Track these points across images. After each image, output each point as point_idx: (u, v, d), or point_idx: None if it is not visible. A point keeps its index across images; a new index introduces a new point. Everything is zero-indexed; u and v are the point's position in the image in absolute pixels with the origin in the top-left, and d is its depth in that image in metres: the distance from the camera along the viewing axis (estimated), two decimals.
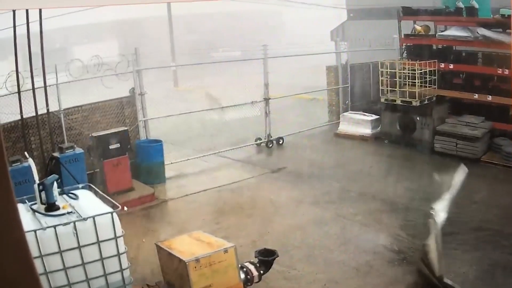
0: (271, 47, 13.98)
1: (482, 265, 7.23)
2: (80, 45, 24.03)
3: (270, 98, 14.03)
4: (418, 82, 13.14)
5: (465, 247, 7.78)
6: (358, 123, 14.83)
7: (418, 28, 14.37)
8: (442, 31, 13.78)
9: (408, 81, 13.41)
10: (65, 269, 5.02)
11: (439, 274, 6.38)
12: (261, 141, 14.11)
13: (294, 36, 26.32)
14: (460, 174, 7.13)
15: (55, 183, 5.40)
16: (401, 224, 8.86)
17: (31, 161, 5.88)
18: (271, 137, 14.13)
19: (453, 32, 13.21)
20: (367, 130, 14.63)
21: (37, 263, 4.68)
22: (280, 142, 14.26)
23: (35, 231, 4.84)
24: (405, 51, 14.58)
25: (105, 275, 5.24)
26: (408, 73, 13.36)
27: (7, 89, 9.29)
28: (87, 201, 5.67)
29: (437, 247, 6.56)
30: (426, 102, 13.25)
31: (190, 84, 22.95)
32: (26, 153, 7.37)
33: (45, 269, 4.91)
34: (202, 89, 16.16)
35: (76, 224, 5.05)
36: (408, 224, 8.88)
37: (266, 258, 6.62)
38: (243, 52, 20.77)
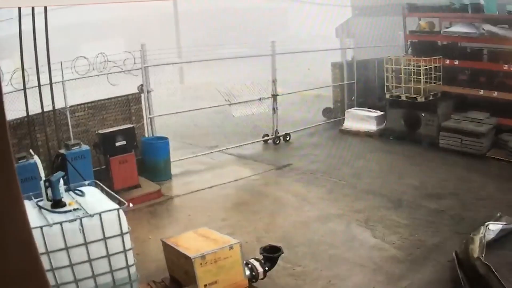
0: (277, 44, 13.96)
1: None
2: (85, 42, 24.08)
3: (277, 95, 14.05)
4: (423, 78, 13.13)
5: None
6: (363, 120, 14.83)
7: (423, 24, 14.35)
8: (447, 28, 13.76)
9: (413, 77, 13.39)
10: (71, 265, 5.04)
11: (478, 255, 6.60)
12: (268, 138, 14.12)
13: (299, 33, 26.31)
14: None
15: (61, 180, 5.42)
16: (406, 221, 8.87)
17: (37, 158, 5.90)
18: (278, 133, 14.14)
19: (458, 28, 13.18)
20: (372, 127, 14.63)
21: (44, 259, 4.71)
22: (287, 139, 14.27)
23: (41, 227, 4.86)
24: (410, 48, 14.56)
25: (111, 271, 5.26)
26: (413, 69, 13.33)
27: (12, 86, 9.29)
28: (94, 198, 5.68)
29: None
30: (431, 98, 13.26)
31: (196, 81, 22.99)
32: (31, 150, 7.39)
33: (52, 266, 4.94)
34: (208, 85, 16.17)
35: (82, 221, 5.07)
36: (413, 220, 8.88)
37: (271, 255, 6.63)
38: (250, 48, 20.80)
